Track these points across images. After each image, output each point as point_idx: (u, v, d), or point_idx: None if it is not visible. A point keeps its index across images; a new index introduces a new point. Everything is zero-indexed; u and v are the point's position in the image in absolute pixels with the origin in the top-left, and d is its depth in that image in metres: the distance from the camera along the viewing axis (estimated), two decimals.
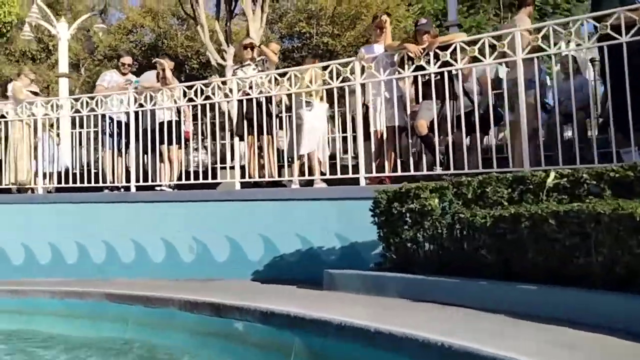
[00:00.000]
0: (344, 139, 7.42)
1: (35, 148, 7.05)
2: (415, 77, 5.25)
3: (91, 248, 6.37)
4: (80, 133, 7.39)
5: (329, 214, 5.39)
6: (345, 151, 7.19)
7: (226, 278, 5.57)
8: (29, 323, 5.36)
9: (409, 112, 5.30)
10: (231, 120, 6.50)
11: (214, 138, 6.81)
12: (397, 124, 5.27)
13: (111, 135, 6.75)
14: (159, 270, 5.96)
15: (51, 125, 7.24)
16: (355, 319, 3.04)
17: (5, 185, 7.05)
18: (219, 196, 6.02)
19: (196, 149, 7.73)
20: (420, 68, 5.06)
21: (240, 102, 6.10)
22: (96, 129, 7.14)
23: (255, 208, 5.79)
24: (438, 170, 4.91)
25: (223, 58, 12.12)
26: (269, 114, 5.93)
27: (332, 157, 7.20)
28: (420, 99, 5.16)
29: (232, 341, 3.95)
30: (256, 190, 6.03)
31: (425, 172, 4.98)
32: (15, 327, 5.34)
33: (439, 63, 4.90)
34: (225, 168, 6.82)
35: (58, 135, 7.43)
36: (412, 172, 5.06)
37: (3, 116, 7.11)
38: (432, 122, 5.02)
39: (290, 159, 6.26)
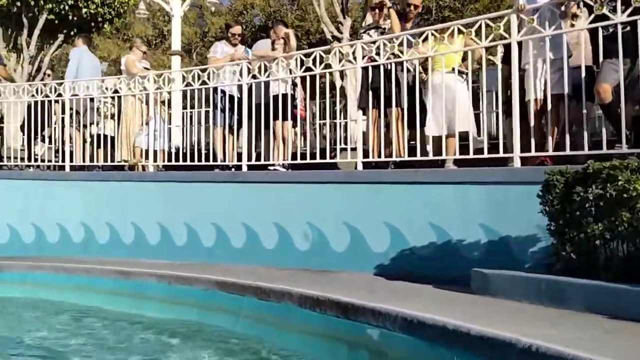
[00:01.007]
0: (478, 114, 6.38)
1: (147, 124, 6.78)
2: (593, 31, 4.16)
3: (200, 230, 5.96)
4: (190, 114, 7.05)
5: (472, 201, 4.47)
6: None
7: (344, 270, 4.87)
8: (138, 307, 5.02)
9: (583, 75, 4.23)
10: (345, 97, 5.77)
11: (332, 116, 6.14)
12: (566, 91, 4.21)
13: (223, 111, 6.29)
14: (269, 257, 5.40)
15: (162, 102, 6.96)
16: (561, 345, 2.14)
17: (117, 162, 6.87)
18: (339, 178, 5.30)
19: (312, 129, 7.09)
20: (600, 18, 3.97)
21: (365, 70, 5.34)
22: (207, 109, 6.74)
23: (380, 192, 5.01)
24: (624, 148, 3.81)
25: (339, 30, 11.45)
26: (398, 84, 5.10)
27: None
28: (601, 58, 4.06)
29: (364, 351, 3.21)
30: (382, 171, 5.24)
31: (604, 151, 3.91)
32: (124, 309, 5.03)
33: (629, 10, 3.78)
34: (345, 149, 6.09)
35: (169, 114, 7.11)
36: (586, 152, 4.00)
37: (117, 91, 6.93)
38: (616, 87, 3.92)
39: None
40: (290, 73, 5.78)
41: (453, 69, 4.92)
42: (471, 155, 4.77)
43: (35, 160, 7.49)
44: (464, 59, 5.13)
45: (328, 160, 5.47)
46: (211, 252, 5.86)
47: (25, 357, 3.89)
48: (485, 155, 4.61)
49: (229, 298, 4.27)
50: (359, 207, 5.05)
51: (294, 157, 5.81)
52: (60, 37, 14.70)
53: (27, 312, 5.29)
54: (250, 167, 6.00)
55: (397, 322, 2.97)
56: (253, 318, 4.10)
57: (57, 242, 6.81)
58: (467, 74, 5.00)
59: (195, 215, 6.04)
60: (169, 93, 6.93)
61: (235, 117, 6.20)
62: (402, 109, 5.03)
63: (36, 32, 13.94)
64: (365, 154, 5.41)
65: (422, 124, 5.25)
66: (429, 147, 5.22)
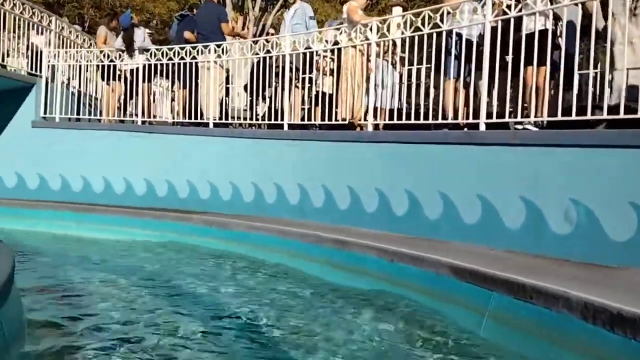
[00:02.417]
0: None
1: (368, 79, 6.09)
2: None
3: (423, 200, 5.10)
4: (411, 69, 6.13)
5: None
6: None
7: (627, 266, 3.54)
8: (356, 282, 4.39)
9: None
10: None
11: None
12: None
13: (457, 58, 5.23)
14: (513, 239, 4.31)
15: (385, 52, 6.18)
16: None
17: (336, 121, 6.34)
18: (624, 140, 3.86)
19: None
20: None
21: None
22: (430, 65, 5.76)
23: None
24: None
25: None
26: None
27: None
28: None
29: None
30: None
31: None
32: (341, 283, 4.46)
33: None
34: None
35: (394, 64, 6.30)
36: None
37: (337, 42, 6.36)
38: None
39: None
40: (552, 3, 4.44)
41: None
42: None
43: (257, 119, 7.42)
44: None
45: (604, 116, 4.05)
46: (436, 227, 4.97)
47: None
48: None
49: (473, 291, 3.32)
50: None
51: (551, 113, 4.51)
52: None
53: (242, 273, 5.10)
54: (489, 126, 4.88)
55: None
56: (510, 324, 3.08)
57: (274, 202, 6.64)
58: None
59: (418, 181, 5.18)
60: (393, 43, 6.10)
61: (473, 65, 5.09)
62: None
63: None
64: None
65: None
66: None
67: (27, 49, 9.01)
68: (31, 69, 9.04)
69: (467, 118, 5.13)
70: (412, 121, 5.59)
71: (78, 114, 8.89)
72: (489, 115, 4.90)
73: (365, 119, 6.07)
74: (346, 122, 6.25)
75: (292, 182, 6.46)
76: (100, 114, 8.96)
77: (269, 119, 7.20)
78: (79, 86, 9.07)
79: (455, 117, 5.35)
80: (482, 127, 4.89)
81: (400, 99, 6.35)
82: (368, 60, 6.14)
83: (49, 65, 8.80)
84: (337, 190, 5.97)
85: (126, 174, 8.08)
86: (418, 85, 5.70)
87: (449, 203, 4.88)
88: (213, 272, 5.05)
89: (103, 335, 3.10)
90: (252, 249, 5.69)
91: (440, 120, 5.35)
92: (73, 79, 9.06)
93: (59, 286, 4.39)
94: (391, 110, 6.07)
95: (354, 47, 6.20)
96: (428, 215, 5.06)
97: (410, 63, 6.23)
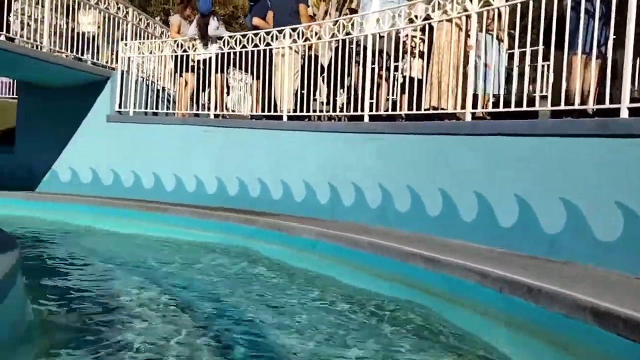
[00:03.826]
0: None
1: (467, 59, 5.02)
2: None
3: (539, 208, 3.98)
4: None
5: None
6: None
7: None
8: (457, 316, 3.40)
9: None
10: None
11: None
12: None
13: (586, 29, 4.04)
14: None
15: (489, 25, 5.08)
16: None
17: (425, 110, 5.32)
18: None
19: None
20: None
21: None
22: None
23: None
24: None
25: None
26: None
27: None
28: None
29: None
30: None
31: None
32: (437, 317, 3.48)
33: None
34: None
35: (500, 40, 5.17)
36: None
37: (428, 17, 5.33)
38: None
39: None
40: None
41: None
42: None
43: (335, 110, 6.55)
44: None
45: None
46: (556, 244, 3.84)
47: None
48: None
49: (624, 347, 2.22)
50: None
51: None
52: None
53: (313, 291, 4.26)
54: (633, 112, 3.65)
55: None
56: None
57: (352, 205, 5.75)
58: None
59: (532, 184, 4.06)
60: (498, 13, 4.96)
61: (611, 32, 3.87)
62: None
63: None
64: None
65: None
66: None
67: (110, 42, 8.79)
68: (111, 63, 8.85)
69: (601, 103, 3.93)
70: (524, 108, 4.46)
71: (156, 107, 8.53)
72: (635, 99, 3.68)
73: (463, 107, 5.00)
74: (438, 111, 5.21)
75: (373, 181, 5.53)
76: (175, 108, 8.55)
77: (348, 110, 6.31)
78: (154, 79, 8.72)
79: (583, 102, 4.15)
80: (624, 114, 3.67)
81: (507, 83, 5.22)
82: (467, 36, 5.06)
83: (124, 58, 8.52)
84: (427, 193, 4.96)
85: (197, 171, 7.56)
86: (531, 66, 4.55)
87: (576, 213, 3.73)
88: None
89: None
90: (322, 260, 4.85)
91: (563, 106, 4.17)
92: (148, 72, 8.72)
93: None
94: (496, 96, 4.97)
95: (449, 21, 5.15)
96: (545, 229, 3.93)
97: (522, 36, 5.05)
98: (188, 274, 4.73)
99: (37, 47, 7.59)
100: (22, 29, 7.54)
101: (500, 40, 5.16)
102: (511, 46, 5.95)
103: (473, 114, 4.93)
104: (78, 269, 4.95)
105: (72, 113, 8.62)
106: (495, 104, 4.88)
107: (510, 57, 6.04)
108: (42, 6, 7.74)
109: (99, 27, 8.66)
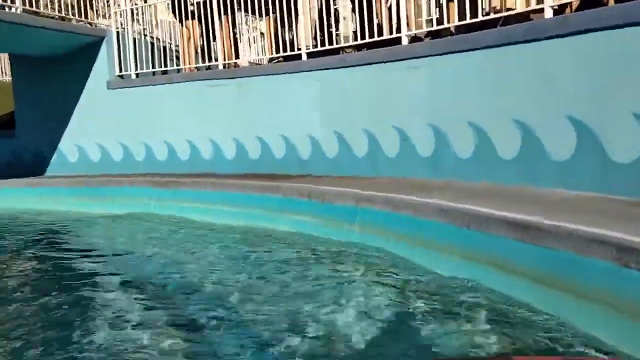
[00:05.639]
0: None
1: None
2: None
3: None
4: None
5: None
6: None
7: None
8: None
9: None
10: None
11: None
12: None
13: None
14: None
15: None
16: None
17: (485, 15, 3.89)
18: None
19: None
20: None
21: None
22: None
23: None
24: None
25: None
26: None
27: None
28: None
29: None
30: None
31: None
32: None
33: None
34: None
35: None
36: None
37: None
38: None
39: None
40: None
41: None
42: None
43: (363, 38, 5.17)
44: None
45: None
46: None
47: None
48: None
49: None
50: None
51: None
52: None
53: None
54: None
55: None
56: None
57: (397, 155, 4.47)
58: None
59: None
60: None
61: None
62: None
63: None
64: None
65: None
66: None
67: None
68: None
69: None
70: None
71: (160, 66, 7.35)
72: None
73: (540, 2, 3.56)
74: (503, 13, 3.78)
75: (421, 123, 4.22)
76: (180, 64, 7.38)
77: (379, 36, 4.93)
78: (152, 34, 7.54)
79: None
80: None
81: None
82: None
83: (117, 13, 7.36)
84: (493, 127, 3.62)
85: (213, 135, 6.43)
86: None
87: None
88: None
89: None
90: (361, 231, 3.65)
91: None
92: (145, 25, 7.54)
93: None
94: None
95: None
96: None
97: None
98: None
99: (8, 10, 6.39)
100: None
101: None
102: None
103: (556, 8, 3.48)
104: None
105: (70, 86, 7.60)
106: None
107: None
108: None
109: None
